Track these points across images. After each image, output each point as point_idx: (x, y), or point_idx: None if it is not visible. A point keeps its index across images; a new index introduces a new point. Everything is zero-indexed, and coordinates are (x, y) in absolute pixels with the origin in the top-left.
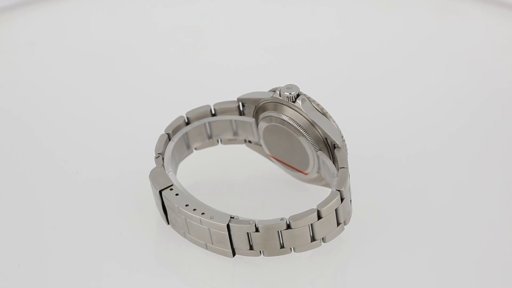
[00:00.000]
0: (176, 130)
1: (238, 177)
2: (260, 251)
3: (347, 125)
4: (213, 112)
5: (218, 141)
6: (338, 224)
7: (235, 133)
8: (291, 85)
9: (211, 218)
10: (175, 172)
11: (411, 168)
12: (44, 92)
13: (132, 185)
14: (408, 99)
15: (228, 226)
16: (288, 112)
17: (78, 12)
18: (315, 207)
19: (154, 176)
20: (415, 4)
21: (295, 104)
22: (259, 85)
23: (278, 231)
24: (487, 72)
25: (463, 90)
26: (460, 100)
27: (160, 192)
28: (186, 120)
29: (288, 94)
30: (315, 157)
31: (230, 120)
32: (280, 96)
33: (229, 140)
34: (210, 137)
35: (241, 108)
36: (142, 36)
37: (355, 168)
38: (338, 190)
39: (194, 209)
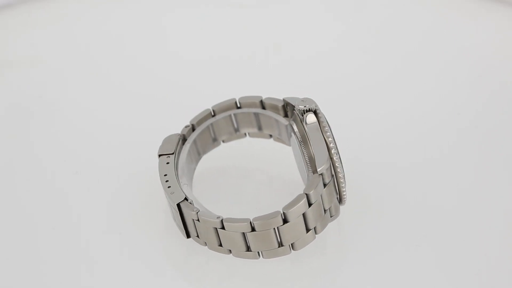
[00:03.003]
0: (224, 109)
1: (271, 175)
2: (205, 242)
3: (347, 128)
4: (263, 105)
5: (270, 135)
6: (280, 244)
7: (280, 133)
8: (307, 98)
9: (171, 193)
10: (204, 146)
11: (410, 170)
12: (44, 92)
13: (133, 185)
14: (408, 103)
15: (179, 205)
16: (298, 124)
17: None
18: (251, 218)
19: (165, 141)
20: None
21: (303, 118)
22: (261, 88)
23: (215, 228)
24: (487, 73)
25: (463, 91)
26: (461, 101)
27: (159, 156)
28: (238, 104)
29: (301, 107)
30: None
31: (275, 119)
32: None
33: (277, 138)
34: (260, 128)
35: (286, 109)
36: (142, 38)
37: (355, 169)
38: (283, 212)
39: (167, 181)
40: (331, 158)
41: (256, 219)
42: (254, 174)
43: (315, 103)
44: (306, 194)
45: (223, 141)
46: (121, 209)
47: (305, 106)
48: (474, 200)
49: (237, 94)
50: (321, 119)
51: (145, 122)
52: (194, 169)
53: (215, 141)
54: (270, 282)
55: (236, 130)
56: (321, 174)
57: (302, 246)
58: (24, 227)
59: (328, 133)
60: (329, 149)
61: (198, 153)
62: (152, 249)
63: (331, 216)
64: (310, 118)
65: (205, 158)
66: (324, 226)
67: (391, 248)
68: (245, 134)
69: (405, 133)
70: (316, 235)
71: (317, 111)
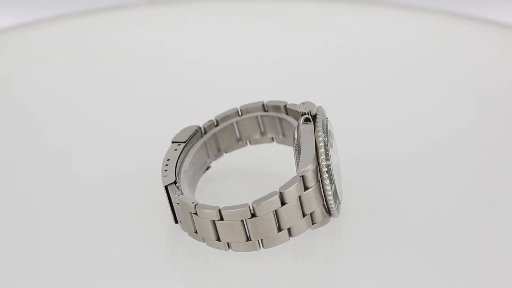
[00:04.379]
0: (251, 110)
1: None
2: (185, 228)
3: (347, 126)
4: (286, 110)
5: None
6: (248, 238)
7: None
8: (308, 102)
9: (164, 176)
10: (226, 144)
11: (407, 169)
12: (49, 90)
13: (134, 185)
14: (403, 103)
15: (166, 188)
16: (297, 128)
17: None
18: (221, 207)
19: (182, 130)
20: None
21: (300, 121)
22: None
23: (191, 213)
24: (485, 76)
25: (462, 91)
26: (460, 101)
27: (172, 143)
28: (266, 108)
29: (302, 109)
30: None
31: (294, 126)
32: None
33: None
34: (283, 134)
35: None
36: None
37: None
38: (252, 205)
39: (166, 165)
40: (318, 163)
41: (224, 208)
42: (276, 180)
43: (315, 106)
44: (280, 192)
45: (249, 143)
46: (121, 209)
47: (305, 109)
48: (476, 202)
49: (258, 98)
50: (317, 123)
51: (150, 121)
52: (209, 163)
53: (240, 141)
54: (268, 281)
55: (263, 133)
56: (302, 176)
57: (272, 245)
58: (23, 227)
59: (321, 138)
60: (317, 154)
61: (218, 149)
62: (153, 248)
63: (314, 223)
64: (304, 120)
65: (229, 156)
66: (301, 230)
67: (390, 249)
68: (272, 138)
69: (404, 133)
70: (290, 238)
71: (317, 115)
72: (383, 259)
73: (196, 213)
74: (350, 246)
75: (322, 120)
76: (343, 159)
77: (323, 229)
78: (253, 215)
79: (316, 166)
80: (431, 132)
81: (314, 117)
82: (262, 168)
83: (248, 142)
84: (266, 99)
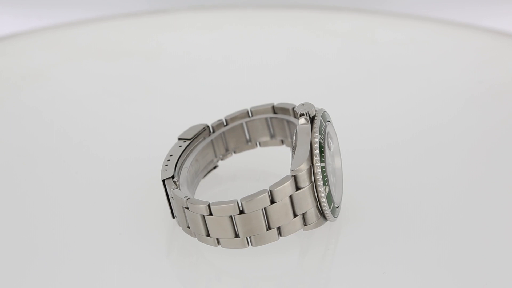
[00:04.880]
0: (261, 112)
1: None
2: (179, 223)
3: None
4: (294, 113)
5: None
6: (236, 234)
7: None
8: (307, 103)
9: (164, 170)
10: (235, 144)
11: (408, 169)
12: (49, 91)
13: (133, 185)
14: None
15: (163, 181)
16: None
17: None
18: (210, 202)
19: (190, 128)
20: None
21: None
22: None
23: (183, 207)
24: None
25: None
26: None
27: (178, 139)
28: (275, 110)
29: (301, 110)
30: None
31: None
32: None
33: None
34: (291, 137)
35: None
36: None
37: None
38: (241, 202)
39: (168, 160)
40: (312, 164)
41: (214, 203)
42: None
43: (314, 108)
44: (270, 190)
45: (259, 144)
46: (121, 209)
47: (304, 110)
48: (475, 202)
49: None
50: (315, 124)
51: (157, 120)
52: (216, 162)
53: (249, 142)
54: (265, 280)
55: (272, 135)
56: (294, 175)
57: (261, 243)
58: (22, 226)
59: (316, 139)
60: (312, 154)
61: (226, 148)
62: (151, 247)
63: (306, 224)
64: (301, 120)
65: (239, 157)
66: (292, 230)
67: (390, 249)
68: (282, 141)
69: (405, 133)
70: (280, 237)
71: (315, 117)
72: (382, 260)
73: (187, 208)
74: (349, 247)
75: (321, 122)
76: (343, 158)
77: (321, 229)
78: (242, 212)
79: (310, 166)
80: (431, 132)
81: (313, 119)
82: (271, 170)
83: (257, 143)
84: (278, 100)
